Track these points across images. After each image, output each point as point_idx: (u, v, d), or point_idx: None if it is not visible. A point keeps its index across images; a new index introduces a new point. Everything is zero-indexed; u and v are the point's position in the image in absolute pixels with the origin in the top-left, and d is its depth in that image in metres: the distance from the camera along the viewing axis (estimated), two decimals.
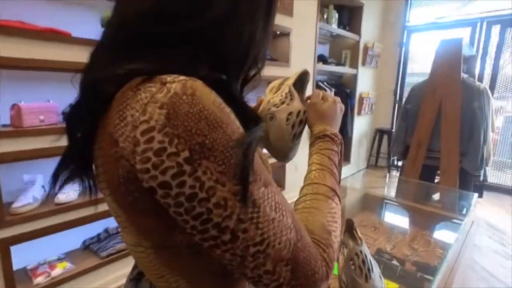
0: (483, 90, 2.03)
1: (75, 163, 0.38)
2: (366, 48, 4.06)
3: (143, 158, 0.28)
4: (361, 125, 4.46)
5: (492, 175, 3.96)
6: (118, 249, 1.76)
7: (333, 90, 3.67)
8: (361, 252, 0.63)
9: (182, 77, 0.30)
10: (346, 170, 4.12)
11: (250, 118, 0.37)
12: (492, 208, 3.25)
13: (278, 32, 2.71)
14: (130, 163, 0.29)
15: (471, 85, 1.99)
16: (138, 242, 0.37)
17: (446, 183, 2.08)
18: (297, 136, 0.58)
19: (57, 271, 1.53)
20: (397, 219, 1.62)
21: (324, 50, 3.99)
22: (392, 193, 2.22)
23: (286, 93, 0.59)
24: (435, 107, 2.04)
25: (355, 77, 4.04)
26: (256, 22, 0.40)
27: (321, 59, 3.47)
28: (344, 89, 3.98)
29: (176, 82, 0.30)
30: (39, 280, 1.46)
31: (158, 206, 0.30)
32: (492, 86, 3.76)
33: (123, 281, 0.54)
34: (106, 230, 1.89)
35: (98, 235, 1.86)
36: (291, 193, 1.73)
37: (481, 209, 3.21)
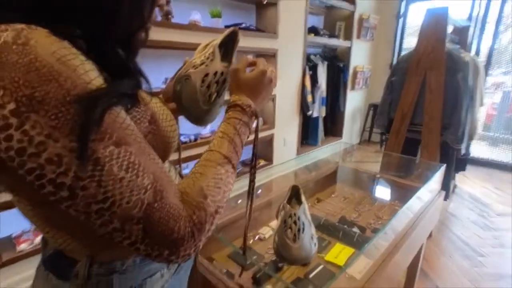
0: (470, 62, 1.98)
1: None
2: (361, 20, 3.92)
3: None
4: (355, 100, 4.41)
5: (485, 151, 3.96)
6: None
7: (326, 63, 3.60)
8: (294, 214, 0.65)
9: (19, 26, 0.29)
10: (337, 146, 4.13)
11: (121, 74, 0.36)
12: (480, 183, 3.28)
13: (265, 2, 2.61)
14: None
15: (456, 56, 1.93)
16: (17, 198, 0.38)
17: (427, 156, 2.09)
18: (214, 98, 0.57)
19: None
20: (371, 190, 1.64)
21: (318, 21, 3.86)
22: (375, 167, 2.24)
23: (209, 54, 0.58)
24: (419, 79, 2.00)
25: (349, 50, 3.94)
26: None
27: (313, 30, 3.37)
28: (338, 62, 3.89)
29: (9, 31, 0.28)
30: (23, 247, 1.53)
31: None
32: (488, 60, 3.66)
33: None
34: None
35: None
36: (279, 167, 1.76)
37: (467, 183, 3.24)
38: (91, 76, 0.31)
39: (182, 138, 2.19)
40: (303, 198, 0.76)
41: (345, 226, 1.15)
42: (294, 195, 0.80)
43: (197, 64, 0.56)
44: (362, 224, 1.22)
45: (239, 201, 1.12)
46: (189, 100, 0.55)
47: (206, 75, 0.56)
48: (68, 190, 0.30)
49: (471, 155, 3.62)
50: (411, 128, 2.15)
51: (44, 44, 0.29)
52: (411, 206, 1.15)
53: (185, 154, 2.22)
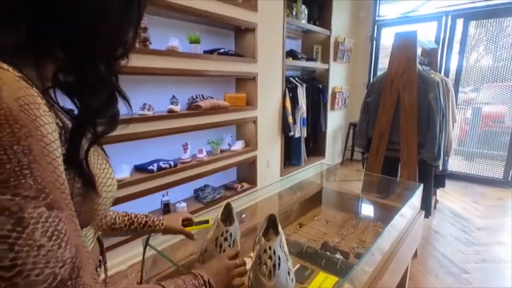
0: (439, 82, 2.07)
1: None
2: (337, 43, 4.08)
3: None
4: (335, 120, 4.50)
5: (461, 165, 4.09)
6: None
7: (305, 85, 3.68)
8: (270, 248, 0.62)
9: None
10: (319, 166, 4.15)
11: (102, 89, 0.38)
12: (459, 197, 3.35)
13: (243, 27, 2.68)
14: None
15: (426, 77, 2.02)
16: None
17: (407, 174, 2.12)
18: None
19: None
20: (354, 212, 1.63)
21: (296, 45, 3.99)
22: (358, 185, 2.24)
23: (214, 226, 0.76)
24: (394, 99, 2.07)
25: (327, 72, 4.06)
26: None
27: (291, 54, 3.47)
28: (317, 84, 4.00)
29: None
30: None
31: None
32: (457, 79, 3.86)
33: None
34: None
35: None
36: (263, 190, 1.73)
37: (447, 197, 3.31)
38: (48, 129, 0.30)
39: (162, 164, 2.13)
40: (280, 228, 0.73)
41: (328, 253, 1.12)
42: (271, 225, 0.77)
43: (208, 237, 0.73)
44: (345, 248, 1.19)
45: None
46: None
47: (216, 238, 0.71)
48: None
49: (449, 169, 3.73)
50: (390, 147, 2.19)
51: (12, 88, 0.28)
52: (395, 225, 1.14)
53: (164, 180, 2.15)
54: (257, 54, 2.80)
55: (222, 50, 2.47)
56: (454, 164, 4.09)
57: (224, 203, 0.91)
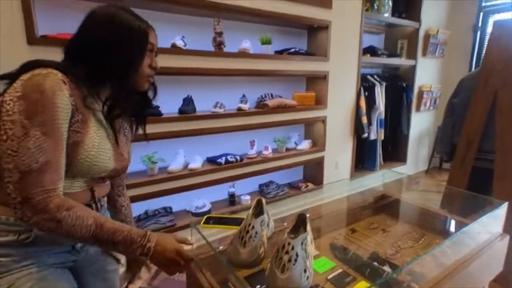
0: None
1: None
2: (427, 36, 3.63)
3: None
4: (421, 122, 4.01)
5: None
6: (153, 229, 2.00)
7: (385, 83, 3.39)
8: (289, 244, 0.63)
9: (46, 71, 0.61)
10: (392, 174, 3.76)
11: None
12: None
13: (316, 26, 2.65)
14: None
15: None
16: None
17: (502, 190, 1.77)
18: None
19: None
20: (419, 226, 1.46)
21: (378, 40, 3.71)
22: (436, 198, 1.99)
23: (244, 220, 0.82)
24: (489, 99, 1.74)
25: (413, 68, 3.66)
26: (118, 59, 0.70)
27: (370, 50, 3.25)
28: (400, 82, 3.64)
29: (41, 74, 0.60)
30: None
31: None
32: None
33: None
34: (146, 212, 2.16)
35: (139, 215, 2.13)
36: (329, 192, 1.70)
37: None
38: (60, 101, 0.61)
39: (229, 158, 2.30)
40: (308, 227, 0.74)
41: (375, 263, 1.05)
42: (301, 224, 0.78)
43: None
44: (398, 262, 1.10)
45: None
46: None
47: (240, 231, 0.76)
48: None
49: None
50: (480, 156, 1.86)
51: (51, 80, 0.61)
52: (457, 244, 0.99)
53: (231, 173, 2.31)
54: (329, 52, 2.73)
55: (292, 50, 2.50)
56: None
57: (256, 199, 0.96)
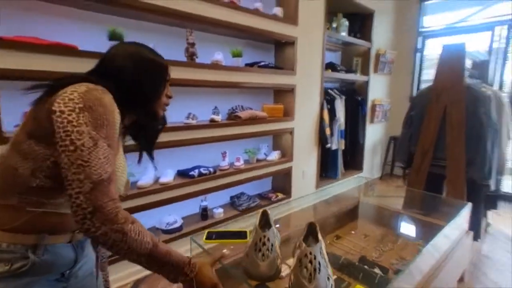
0: (491, 96, 1.95)
1: None
2: (378, 55, 4.01)
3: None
4: (374, 133, 4.37)
5: None
6: None
7: (344, 97, 3.64)
8: (310, 253, 0.65)
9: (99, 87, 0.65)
10: (357, 179, 4.03)
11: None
12: None
13: (284, 41, 2.76)
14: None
15: (477, 91, 1.92)
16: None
17: (453, 192, 2.00)
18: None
19: None
20: (393, 228, 1.58)
21: (335, 57, 3.99)
22: (398, 201, 2.16)
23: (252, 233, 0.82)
24: (440, 114, 1.98)
25: (366, 84, 3.99)
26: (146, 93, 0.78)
27: (330, 66, 3.47)
28: (356, 96, 3.94)
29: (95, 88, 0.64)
30: None
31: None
32: None
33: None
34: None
35: None
36: (298, 201, 1.74)
37: (500, 221, 3.02)
38: (117, 117, 0.65)
39: (202, 170, 2.24)
40: (319, 236, 0.75)
41: (366, 267, 1.11)
42: (311, 233, 0.79)
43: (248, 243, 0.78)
44: (384, 264, 1.17)
45: None
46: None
47: (256, 244, 0.75)
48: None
49: (503, 191, 3.41)
50: (434, 163, 2.09)
51: (108, 97, 0.65)
52: (437, 245, 1.10)
53: (204, 186, 2.25)
54: (296, 66, 2.85)
55: (262, 63, 2.57)
56: (510, 184, 3.73)
57: (261, 210, 0.95)
